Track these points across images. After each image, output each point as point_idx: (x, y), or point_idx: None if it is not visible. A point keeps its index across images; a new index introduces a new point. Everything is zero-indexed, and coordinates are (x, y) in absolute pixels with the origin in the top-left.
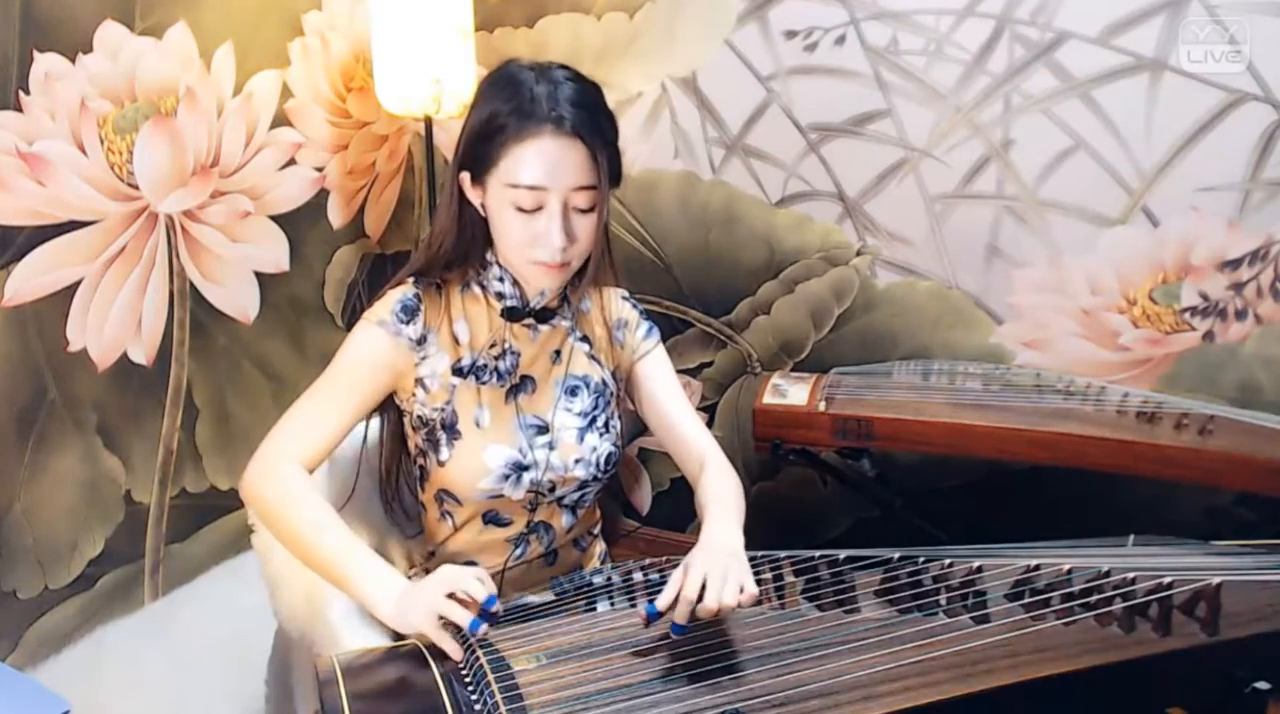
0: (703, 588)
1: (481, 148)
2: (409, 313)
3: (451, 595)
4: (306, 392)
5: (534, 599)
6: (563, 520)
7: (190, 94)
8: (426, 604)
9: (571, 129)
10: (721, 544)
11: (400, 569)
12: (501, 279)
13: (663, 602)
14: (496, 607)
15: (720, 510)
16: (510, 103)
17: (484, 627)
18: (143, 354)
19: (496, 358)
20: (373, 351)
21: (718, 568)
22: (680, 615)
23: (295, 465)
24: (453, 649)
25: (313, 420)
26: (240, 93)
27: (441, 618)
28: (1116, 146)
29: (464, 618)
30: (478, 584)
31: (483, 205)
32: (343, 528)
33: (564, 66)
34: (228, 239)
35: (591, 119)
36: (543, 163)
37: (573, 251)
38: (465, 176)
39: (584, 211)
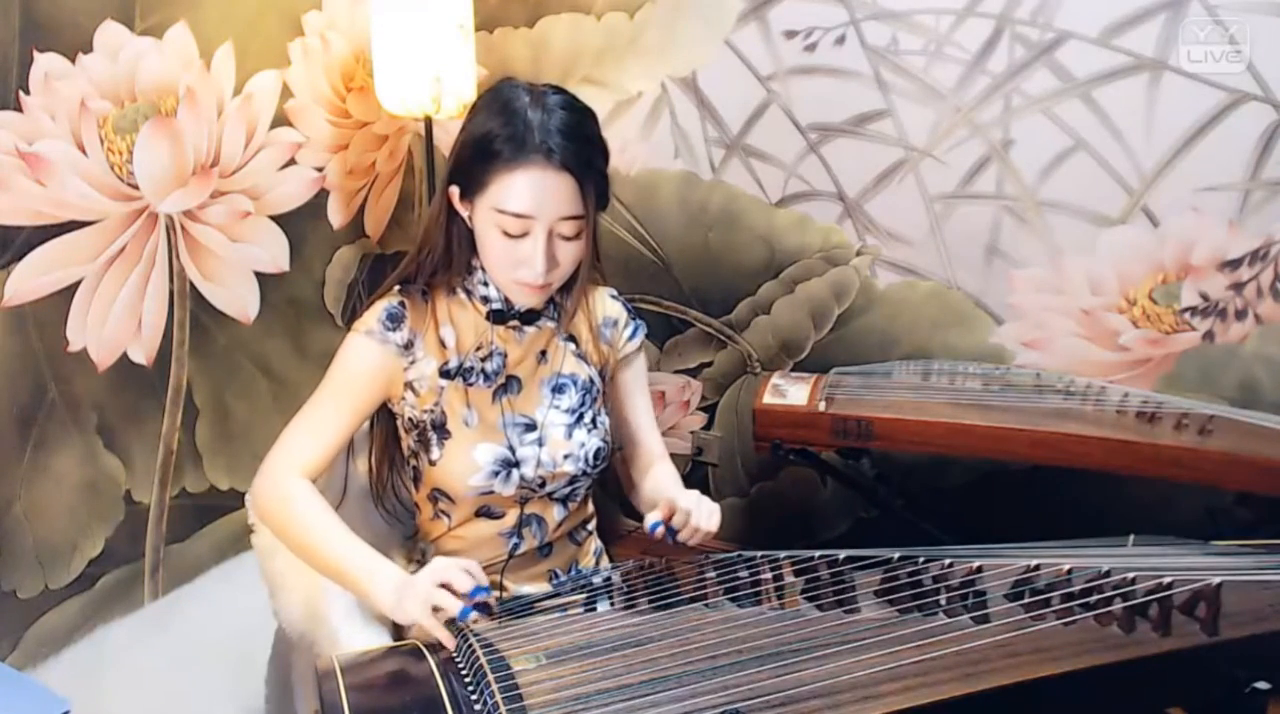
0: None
1: (472, 168)
2: (394, 320)
3: (444, 586)
4: (305, 404)
5: (532, 591)
6: (554, 513)
7: (190, 94)
8: (419, 595)
9: (561, 163)
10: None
11: (401, 566)
12: (486, 284)
13: (663, 513)
14: (486, 596)
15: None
16: (504, 128)
17: (473, 614)
18: (143, 354)
19: (483, 360)
20: (362, 361)
21: (706, 501)
22: (687, 533)
23: (297, 477)
24: (446, 638)
25: (310, 432)
26: (240, 93)
27: (435, 607)
28: (1116, 146)
29: (454, 606)
30: (466, 575)
31: (470, 218)
32: (344, 530)
33: (559, 90)
34: (228, 239)
35: (581, 151)
36: (531, 193)
37: (554, 274)
38: (455, 191)
39: (568, 238)
